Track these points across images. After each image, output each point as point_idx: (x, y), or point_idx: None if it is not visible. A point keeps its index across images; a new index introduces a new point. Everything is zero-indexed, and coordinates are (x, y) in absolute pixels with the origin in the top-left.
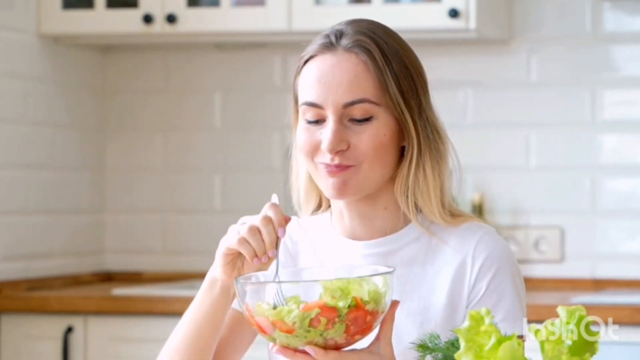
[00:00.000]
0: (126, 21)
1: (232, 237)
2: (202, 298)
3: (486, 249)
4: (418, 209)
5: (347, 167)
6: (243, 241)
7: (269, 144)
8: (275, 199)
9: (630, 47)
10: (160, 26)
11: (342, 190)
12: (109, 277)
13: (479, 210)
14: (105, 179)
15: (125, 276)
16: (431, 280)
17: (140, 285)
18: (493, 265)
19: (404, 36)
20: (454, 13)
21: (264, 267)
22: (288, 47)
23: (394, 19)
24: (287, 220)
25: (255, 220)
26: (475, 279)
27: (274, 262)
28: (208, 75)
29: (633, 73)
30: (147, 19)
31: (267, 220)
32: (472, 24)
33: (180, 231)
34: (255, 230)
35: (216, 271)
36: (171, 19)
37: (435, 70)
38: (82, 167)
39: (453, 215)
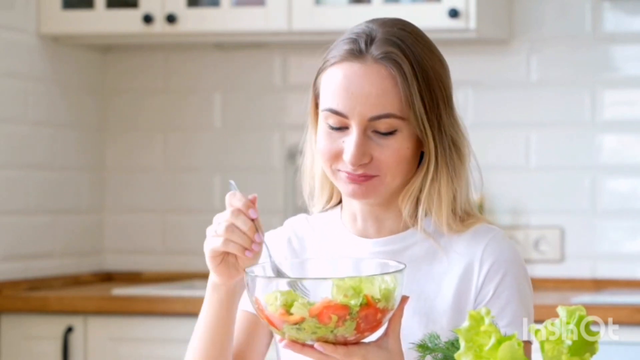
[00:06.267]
0: (126, 21)
1: (213, 240)
2: (209, 301)
3: (494, 253)
4: (424, 214)
5: (371, 177)
6: (226, 241)
7: (269, 144)
8: (233, 186)
9: (630, 47)
10: (160, 26)
11: (364, 194)
12: (109, 277)
13: (479, 210)
14: (105, 179)
15: (125, 276)
16: (438, 280)
17: (140, 285)
18: (500, 270)
19: None
20: (454, 13)
21: (257, 255)
22: (288, 47)
23: None
24: (253, 200)
25: (226, 215)
26: (482, 282)
27: (264, 246)
28: (208, 75)
29: (633, 73)
30: (147, 19)
31: (236, 211)
32: (472, 24)
33: (180, 231)
34: (231, 226)
35: (212, 276)
36: (171, 19)
37: None
38: (82, 167)
39: (462, 220)
